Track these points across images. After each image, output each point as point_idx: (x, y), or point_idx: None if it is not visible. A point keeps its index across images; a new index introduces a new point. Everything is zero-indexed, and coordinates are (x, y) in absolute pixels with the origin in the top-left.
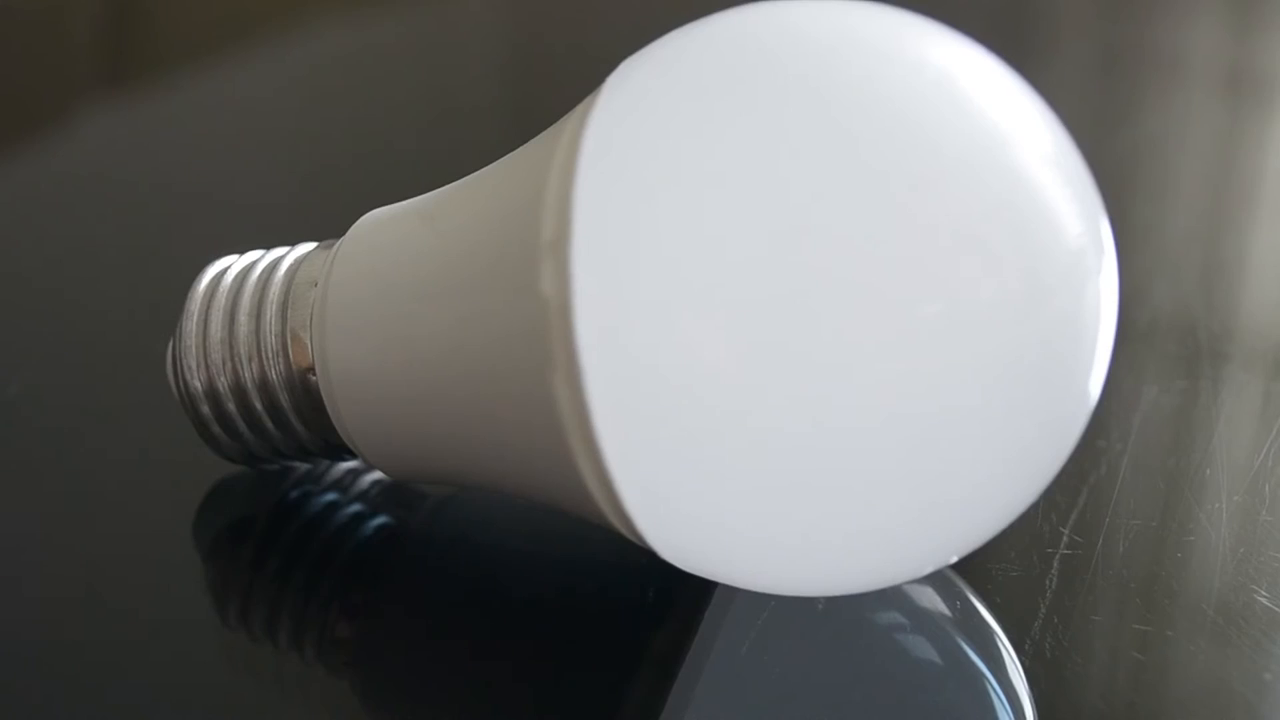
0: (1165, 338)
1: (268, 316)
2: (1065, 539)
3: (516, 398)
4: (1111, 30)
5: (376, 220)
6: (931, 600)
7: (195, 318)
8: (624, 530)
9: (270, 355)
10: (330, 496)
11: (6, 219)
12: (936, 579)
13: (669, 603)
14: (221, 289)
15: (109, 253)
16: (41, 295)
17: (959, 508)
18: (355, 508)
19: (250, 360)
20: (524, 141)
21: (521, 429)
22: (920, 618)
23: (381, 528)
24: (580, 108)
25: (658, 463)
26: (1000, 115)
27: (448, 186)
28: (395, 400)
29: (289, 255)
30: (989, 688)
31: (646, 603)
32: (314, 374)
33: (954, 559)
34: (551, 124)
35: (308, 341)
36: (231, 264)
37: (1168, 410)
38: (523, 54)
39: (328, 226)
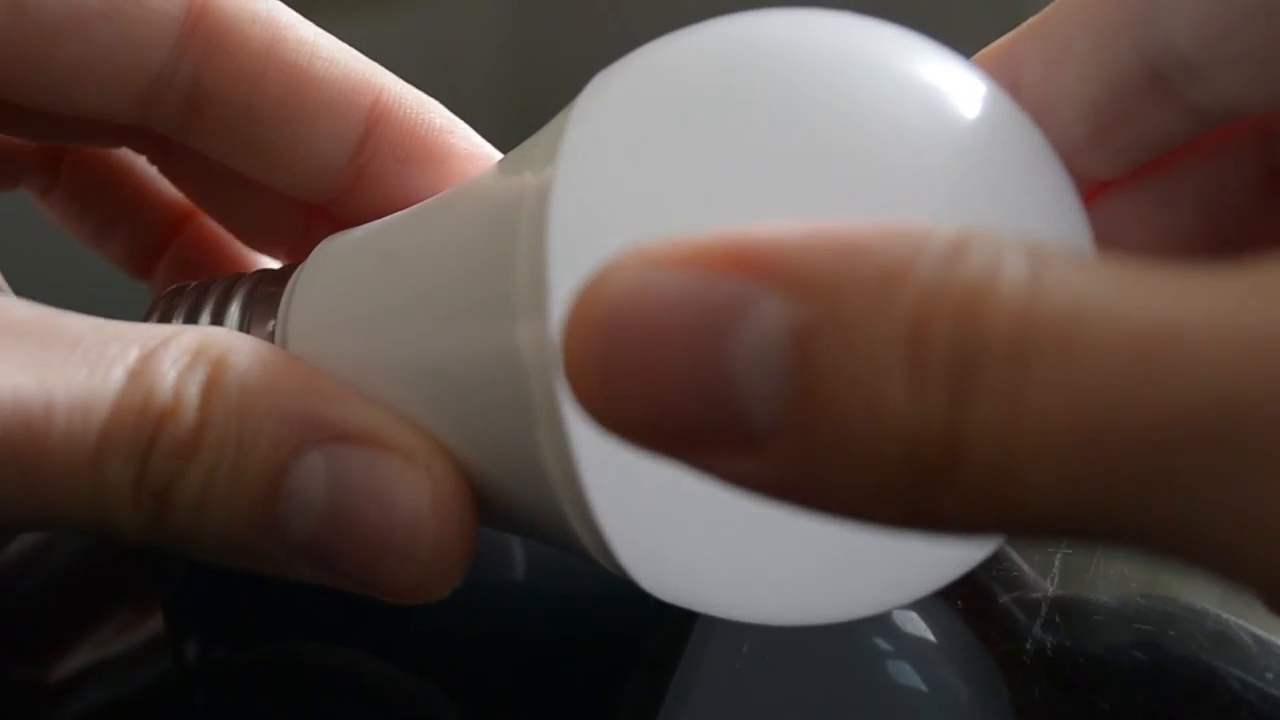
0: None
1: None
2: None
3: (493, 446)
4: None
5: (335, 244)
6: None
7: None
8: (609, 568)
9: None
10: None
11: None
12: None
13: (664, 607)
14: (178, 312)
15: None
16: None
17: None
18: None
19: None
20: (523, 141)
21: (500, 473)
22: (905, 639)
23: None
24: (546, 138)
25: (650, 520)
26: (981, 125)
27: (408, 214)
28: None
29: (246, 281)
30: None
31: (643, 608)
32: None
33: (940, 585)
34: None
35: None
36: (188, 287)
37: None
38: (523, 54)
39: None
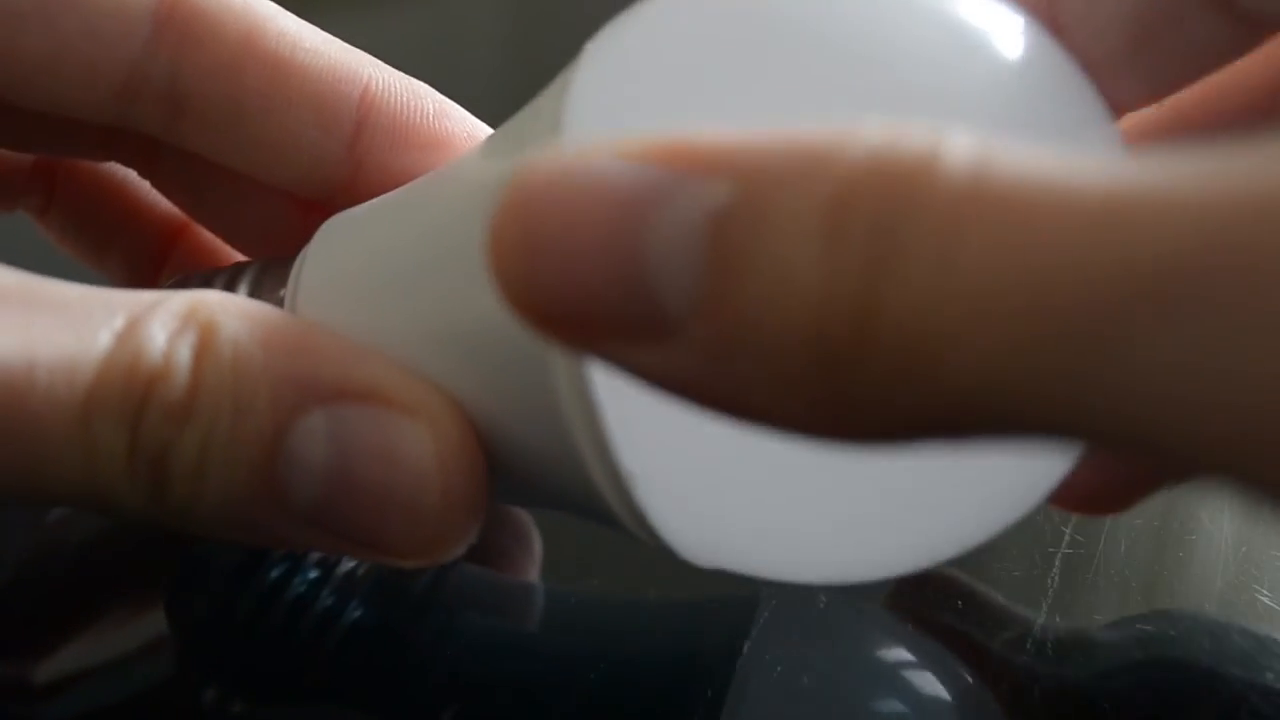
0: None
1: None
2: (1067, 538)
3: (509, 388)
4: None
5: (340, 220)
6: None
7: None
8: (632, 525)
9: None
10: (313, 574)
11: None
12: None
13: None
14: None
15: None
16: None
17: (972, 486)
18: (333, 600)
19: None
20: None
21: (518, 426)
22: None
23: (363, 623)
24: (549, 100)
25: (668, 456)
26: (1014, 55)
27: (415, 181)
28: None
29: (253, 266)
30: None
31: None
32: None
33: (975, 543)
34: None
35: None
36: (187, 277)
37: None
38: (523, 54)
39: None
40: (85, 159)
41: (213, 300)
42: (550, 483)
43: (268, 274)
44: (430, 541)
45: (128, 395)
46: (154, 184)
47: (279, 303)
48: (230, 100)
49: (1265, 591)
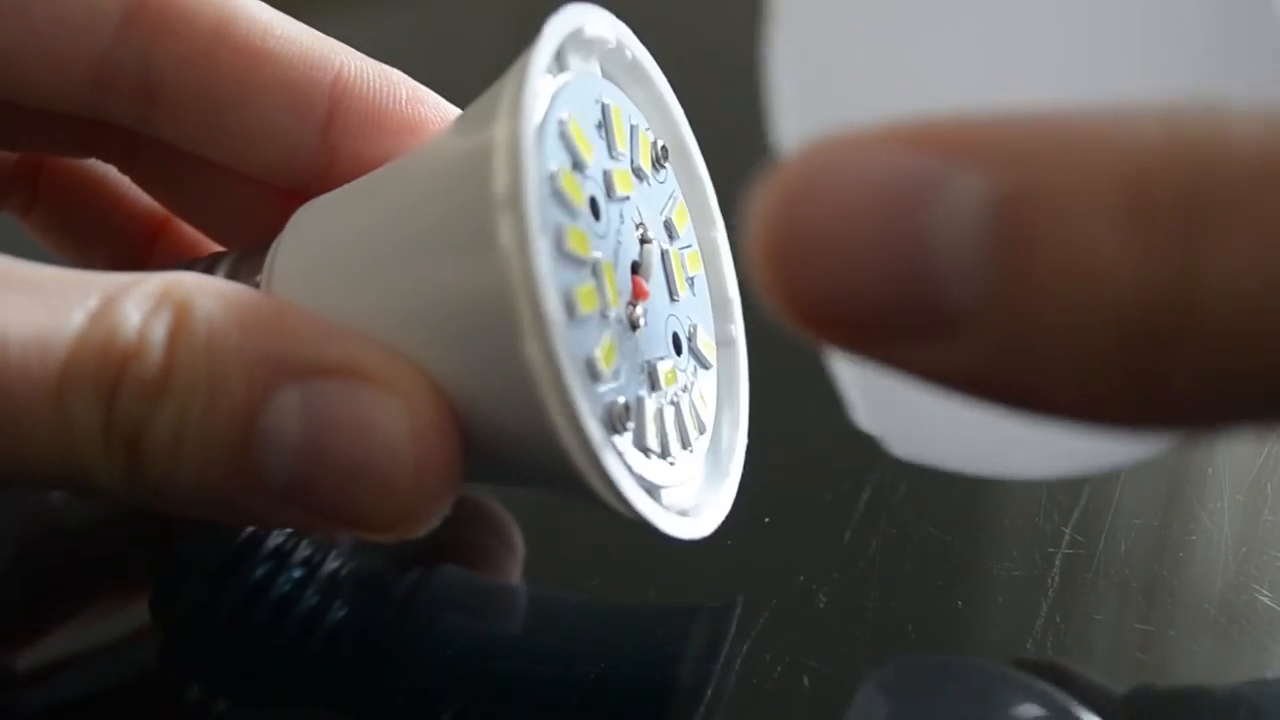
0: None
1: None
2: (1067, 538)
3: (482, 365)
4: None
5: (312, 205)
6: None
7: None
8: (604, 493)
9: None
10: (297, 574)
11: None
12: None
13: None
14: None
15: None
16: None
17: None
18: (317, 600)
19: None
20: None
21: (489, 395)
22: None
23: (347, 622)
24: (515, 68)
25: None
26: None
27: (387, 165)
28: None
29: (230, 253)
30: None
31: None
32: None
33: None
34: None
35: None
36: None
37: None
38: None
39: None
40: (65, 155)
41: (188, 280)
42: (525, 458)
43: (244, 261)
44: (404, 514)
45: (102, 372)
46: (134, 178)
47: (255, 285)
48: (203, 88)
49: (1265, 591)
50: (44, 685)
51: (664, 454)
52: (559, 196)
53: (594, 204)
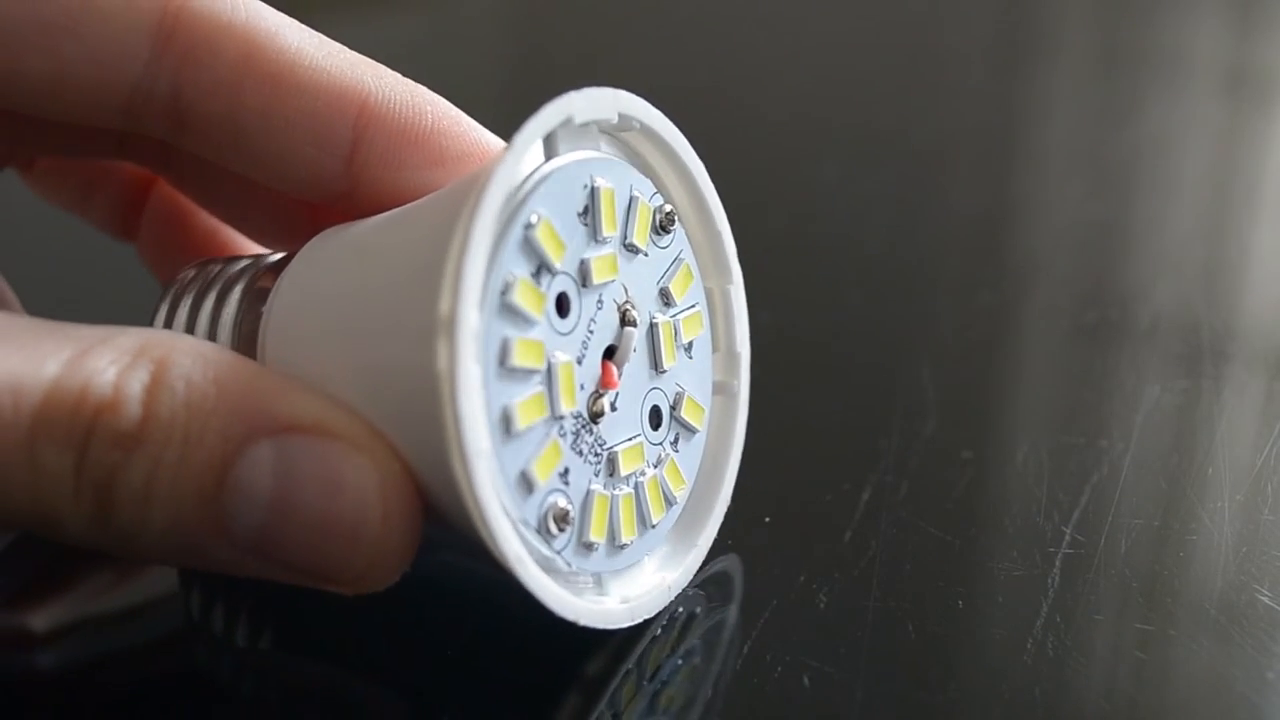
0: (1168, 337)
1: (223, 337)
2: (1068, 538)
3: (423, 467)
4: (1112, 30)
5: (324, 243)
6: None
7: (160, 323)
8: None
9: None
10: None
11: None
12: None
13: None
14: (182, 306)
15: (118, 249)
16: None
17: None
18: None
19: None
20: None
21: (433, 491)
22: None
23: None
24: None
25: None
26: None
27: (393, 212)
28: None
29: (248, 270)
30: None
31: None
32: None
33: None
34: None
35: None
36: (199, 270)
37: (1170, 409)
38: (523, 55)
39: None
40: (101, 160)
41: (165, 339)
42: (456, 527)
43: (254, 288)
44: (369, 568)
45: (75, 420)
46: (168, 180)
47: (257, 318)
48: (229, 118)
49: (1266, 591)
50: (60, 645)
51: (613, 541)
52: (509, 310)
53: (562, 301)
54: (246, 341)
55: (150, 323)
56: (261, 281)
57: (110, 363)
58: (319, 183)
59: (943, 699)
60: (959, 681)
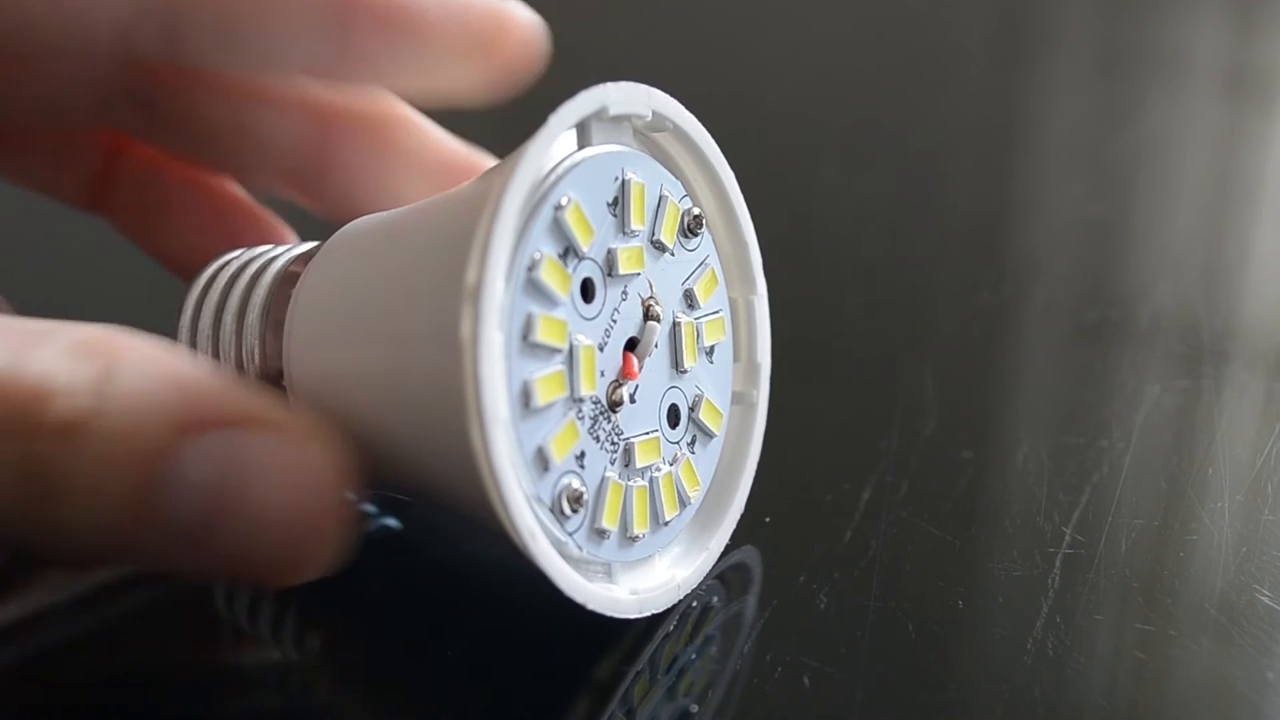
0: (1168, 337)
1: (251, 317)
2: (1068, 538)
3: (441, 438)
4: (1112, 30)
5: (354, 229)
6: None
7: (189, 312)
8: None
9: (247, 355)
10: None
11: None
12: None
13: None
14: (216, 284)
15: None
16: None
17: None
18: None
19: (229, 358)
20: (518, 145)
21: (448, 468)
22: None
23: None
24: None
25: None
26: None
27: (423, 201)
28: (343, 416)
29: (283, 256)
30: None
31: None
32: (284, 378)
33: None
34: None
35: (280, 345)
36: (232, 259)
37: (1170, 409)
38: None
39: (329, 226)
40: (84, 126)
41: (111, 333)
42: (469, 507)
43: (285, 275)
44: (302, 560)
45: (17, 410)
46: (155, 143)
47: (286, 299)
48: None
49: (1266, 592)
50: (27, 636)
51: (625, 532)
52: (535, 286)
53: (587, 286)
54: (274, 328)
55: (186, 293)
56: (294, 266)
57: (55, 354)
58: (315, 62)
59: (943, 699)
60: (959, 681)
